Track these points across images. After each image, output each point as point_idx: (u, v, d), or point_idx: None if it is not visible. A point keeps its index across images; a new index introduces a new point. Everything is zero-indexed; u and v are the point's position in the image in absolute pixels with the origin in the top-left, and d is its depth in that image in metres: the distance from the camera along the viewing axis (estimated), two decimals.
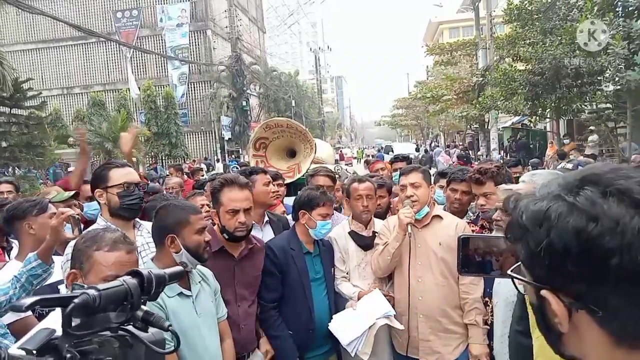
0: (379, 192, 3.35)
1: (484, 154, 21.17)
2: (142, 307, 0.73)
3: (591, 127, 14.65)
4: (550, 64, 11.37)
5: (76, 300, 0.66)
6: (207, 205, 3.74)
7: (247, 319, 2.49)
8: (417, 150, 26.12)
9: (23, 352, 0.63)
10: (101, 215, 2.34)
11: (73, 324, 0.67)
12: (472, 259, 1.35)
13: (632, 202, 0.63)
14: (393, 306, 2.77)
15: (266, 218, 3.19)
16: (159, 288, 0.77)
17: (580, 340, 0.68)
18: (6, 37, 29.46)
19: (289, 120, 4.93)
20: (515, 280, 0.79)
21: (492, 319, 2.49)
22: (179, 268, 0.87)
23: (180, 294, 2.01)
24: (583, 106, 12.84)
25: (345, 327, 2.66)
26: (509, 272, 0.82)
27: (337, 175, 4.99)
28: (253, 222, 3.04)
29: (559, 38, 11.48)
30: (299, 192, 2.99)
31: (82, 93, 32.47)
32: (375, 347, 2.77)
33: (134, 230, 2.36)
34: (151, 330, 0.73)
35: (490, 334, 2.54)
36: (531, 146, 19.01)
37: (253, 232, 2.91)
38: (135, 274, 0.75)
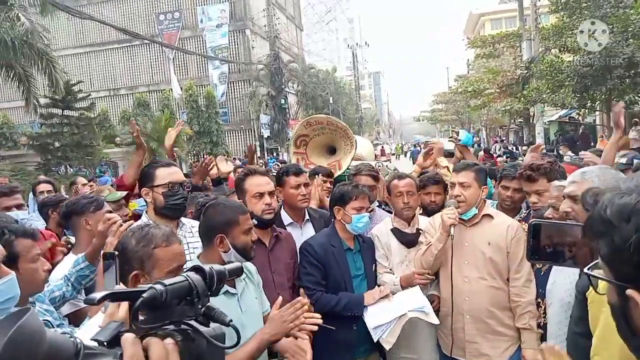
0: (435, 189, 3.30)
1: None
2: (205, 302, 0.74)
3: (635, 119, 13.89)
4: (600, 53, 10.86)
5: (144, 295, 0.68)
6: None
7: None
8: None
9: (95, 344, 0.65)
10: (146, 212, 2.40)
11: (140, 317, 0.68)
12: (543, 246, 1.29)
13: None
14: (439, 306, 2.72)
15: (307, 216, 3.19)
16: (220, 284, 0.77)
17: None
18: (58, 42, 30.88)
19: (329, 117, 4.91)
20: (593, 279, 0.75)
21: (544, 321, 2.40)
22: (237, 264, 0.87)
23: (226, 292, 2.02)
24: (637, 97, 12.20)
25: (375, 312, 2.62)
26: (585, 270, 0.77)
27: (376, 173, 4.97)
28: (292, 220, 3.07)
29: (611, 26, 10.93)
30: (333, 189, 2.98)
31: (127, 94, 33.66)
32: (418, 344, 2.73)
33: (177, 230, 2.40)
34: (212, 325, 0.74)
35: (542, 338, 2.44)
36: (577, 143, 18.17)
37: (292, 231, 2.95)
38: (198, 269, 0.76)
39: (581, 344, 1.70)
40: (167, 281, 0.70)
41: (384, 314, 2.57)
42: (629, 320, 0.67)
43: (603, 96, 12.18)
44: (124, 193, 3.16)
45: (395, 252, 2.92)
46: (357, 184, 2.93)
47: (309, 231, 3.12)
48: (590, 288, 1.68)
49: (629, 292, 0.64)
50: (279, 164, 6.32)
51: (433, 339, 2.79)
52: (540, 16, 18.68)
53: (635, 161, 3.56)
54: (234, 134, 33.16)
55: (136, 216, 3.10)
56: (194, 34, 32.85)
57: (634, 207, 0.63)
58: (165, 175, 2.39)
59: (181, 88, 28.98)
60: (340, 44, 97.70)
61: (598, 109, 14.08)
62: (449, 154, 5.02)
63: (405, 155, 32.40)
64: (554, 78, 13.12)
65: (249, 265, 2.20)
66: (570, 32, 12.76)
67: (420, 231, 2.90)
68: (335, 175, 4.61)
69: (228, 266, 0.83)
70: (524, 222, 2.80)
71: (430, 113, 54.43)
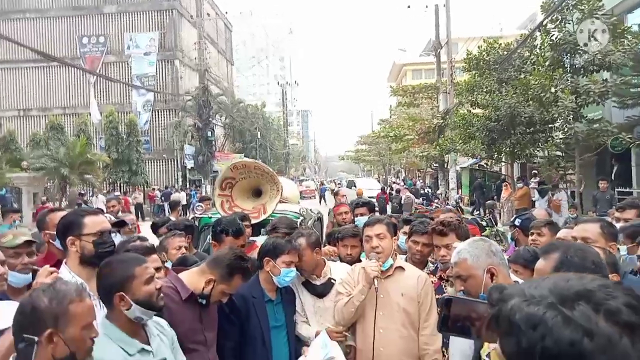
0: (352, 242, 3.34)
1: (443, 193, 21.81)
2: None
3: (534, 172, 15.40)
4: (506, 111, 12.04)
5: None
6: (185, 247, 3.68)
7: None
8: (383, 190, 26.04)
9: None
10: (66, 263, 2.29)
11: None
12: (453, 319, 1.42)
13: (621, 322, 0.70)
14: (355, 358, 2.81)
15: None
16: None
17: None
18: None
19: (257, 162, 4.98)
20: None
21: None
22: None
23: (142, 350, 1.97)
24: (535, 152, 13.56)
25: None
26: (484, 357, 0.88)
27: (302, 218, 5.06)
28: None
29: (514, 88, 12.20)
30: (265, 240, 3.02)
31: (40, 116, 31.52)
32: None
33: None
34: None
35: None
36: (484, 190, 19.69)
37: None
38: None
39: None
40: None
41: None
42: None
43: (508, 149, 13.41)
44: (23, 239, 2.61)
45: (307, 304, 2.99)
46: (290, 239, 2.93)
47: None
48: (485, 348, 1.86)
49: None
50: (201, 205, 6.16)
51: None
52: (455, 72, 20.39)
53: (517, 221, 3.98)
54: (156, 164, 31.99)
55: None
56: (119, 59, 31.83)
57: (541, 318, 0.72)
58: (95, 223, 2.33)
59: (101, 113, 27.68)
60: (270, 79, 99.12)
61: (503, 159, 15.43)
62: (365, 204, 5.28)
63: (333, 195, 32.81)
64: (466, 130, 14.27)
65: (159, 320, 2.15)
66: (480, 89, 14.04)
67: (333, 281, 3.00)
68: (260, 219, 4.64)
69: None
70: (432, 275, 3.02)
71: (354, 153, 56.41)
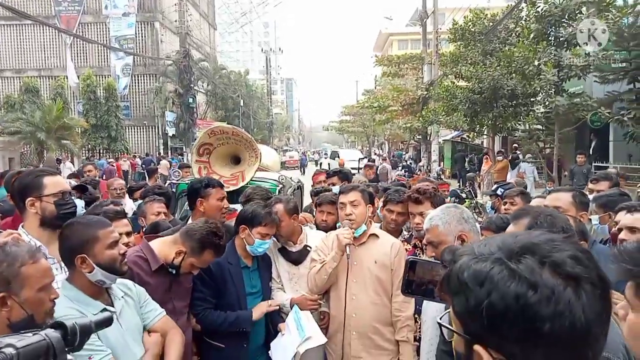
0: (329, 209, 3.37)
1: (425, 165, 21.96)
2: (67, 357, 0.73)
3: (515, 145, 15.57)
4: (489, 84, 12.01)
5: None
6: (164, 213, 3.65)
7: (185, 332, 2.46)
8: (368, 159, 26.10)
9: None
10: (23, 227, 2.22)
11: None
12: (417, 282, 1.42)
13: (565, 274, 0.70)
14: (328, 323, 2.84)
15: None
16: (84, 337, 0.76)
17: None
18: None
19: (235, 128, 4.88)
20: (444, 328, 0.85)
21: (420, 335, 2.62)
22: (106, 314, 0.87)
23: (104, 311, 1.94)
24: (517, 125, 13.65)
25: (277, 354, 2.73)
26: (437, 320, 0.88)
27: (280, 185, 5.03)
28: None
29: (498, 60, 12.15)
30: (245, 206, 2.98)
31: (14, 77, 30.39)
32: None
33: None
34: None
35: (418, 350, 2.66)
36: (467, 159, 19.95)
37: None
38: (59, 325, 0.75)
39: None
40: (21, 342, 0.68)
41: (283, 354, 2.68)
42: None
43: (490, 122, 13.45)
44: None
45: (283, 270, 3.00)
46: (270, 210, 2.87)
47: None
48: None
49: (476, 347, 0.74)
50: (179, 171, 6.07)
51: (322, 355, 2.89)
52: (440, 43, 20.21)
53: (499, 191, 4.03)
54: (136, 130, 31.39)
55: None
56: (97, 20, 30.66)
57: (488, 274, 0.72)
58: (55, 183, 2.26)
59: (78, 76, 26.82)
60: (254, 47, 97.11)
61: (485, 132, 15.52)
62: (336, 173, 5.29)
63: (316, 164, 32.86)
64: (449, 102, 14.23)
65: (124, 281, 2.13)
66: (465, 61, 13.95)
67: (308, 248, 3.00)
68: (238, 186, 4.60)
69: (95, 318, 0.82)
70: (406, 243, 3.04)
71: (338, 123, 56.11)
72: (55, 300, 1.59)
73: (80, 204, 2.41)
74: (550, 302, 0.68)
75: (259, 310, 2.72)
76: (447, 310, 0.84)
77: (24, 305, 1.48)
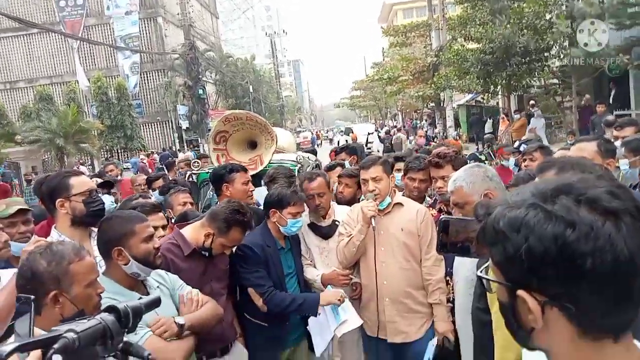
0: (349, 181, 3.40)
1: (440, 132, 21.70)
2: (120, 340, 0.77)
3: (531, 101, 15.24)
4: (500, 43, 11.74)
5: (55, 346, 0.69)
6: (190, 203, 3.72)
7: (225, 312, 2.52)
8: (378, 134, 25.86)
9: None
10: (55, 228, 2.29)
11: None
12: (451, 240, 1.44)
13: (602, 209, 0.70)
14: (360, 293, 2.89)
15: None
16: (137, 319, 0.80)
17: (549, 333, 0.75)
18: None
19: (249, 113, 4.89)
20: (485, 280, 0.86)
21: (454, 296, 2.64)
22: (155, 296, 0.91)
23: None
24: (532, 82, 13.36)
25: (316, 335, 2.82)
26: (478, 273, 0.89)
27: (299, 165, 5.05)
28: None
29: (508, 18, 11.84)
30: (269, 190, 3.02)
31: (27, 87, 30.87)
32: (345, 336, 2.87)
33: (91, 240, 2.33)
34: (131, 359, 0.78)
35: (452, 311, 2.69)
36: (486, 123, 19.61)
37: None
38: (112, 309, 0.79)
39: (483, 318, 1.91)
40: (80, 327, 0.72)
41: (321, 338, 2.77)
42: (516, 316, 0.78)
43: (504, 81, 13.19)
44: (16, 208, 2.63)
45: (313, 245, 3.05)
46: (295, 189, 2.92)
47: None
48: None
49: (520, 292, 0.75)
50: (198, 161, 6.14)
51: (357, 331, 2.94)
52: (447, 7, 19.73)
53: (522, 146, 3.97)
54: (151, 127, 31.68)
55: None
56: (100, 21, 30.75)
57: (523, 219, 0.73)
58: (82, 183, 2.34)
59: (89, 80, 27.08)
60: (258, 32, 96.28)
61: (500, 93, 15.23)
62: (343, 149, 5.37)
63: (331, 143, 32.84)
64: (460, 65, 13.98)
65: (159, 272, 2.19)
66: (473, 22, 13.63)
67: (337, 222, 3.03)
68: (257, 170, 4.64)
69: (144, 300, 0.86)
70: (431, 208, 3.04)
71: (349, 99, 55.65)
72: (101, 294, 1.66)
73: (109, 199, 2.49)
74: (589, 239, 0.68)
75: (326, 299, 2.73)
76: (487, 263, 0.85)
77: (74, 301, 1.55)
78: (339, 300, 2.71)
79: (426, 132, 24.18)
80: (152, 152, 26.65)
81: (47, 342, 0.69)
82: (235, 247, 2.81)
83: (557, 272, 0.70)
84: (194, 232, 2.54)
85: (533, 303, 0.74)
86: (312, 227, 3.06)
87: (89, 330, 0.74)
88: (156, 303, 0.90)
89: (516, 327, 0.80)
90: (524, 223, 0.72)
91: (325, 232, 3.04)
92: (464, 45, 14.76)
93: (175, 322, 1.97)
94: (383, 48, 38.74)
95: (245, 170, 3.35)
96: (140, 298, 1.99)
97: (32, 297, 1.50)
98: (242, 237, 2.59)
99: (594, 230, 0.68)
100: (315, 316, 2.77)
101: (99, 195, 2.44)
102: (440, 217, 1.36)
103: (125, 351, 0.77)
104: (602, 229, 0.68)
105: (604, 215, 0.69)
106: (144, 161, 20.51)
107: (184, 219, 3.13)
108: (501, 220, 0.75)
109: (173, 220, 3.40)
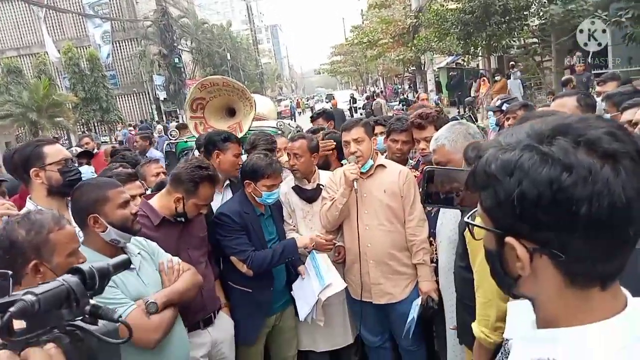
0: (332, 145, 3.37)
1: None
2: (90, 301, 0.73)
3: (511, 63, 15.24)
4: (480, 1, 11.58)
5: (12, 309, 0.65)
6: (163, 173, 3.63)
7: (205, 281, 2.50)
8: (354, 101, 25.38)
9: None
10: (31, 198, 2.21)
11: (17, 327, 0.66)
12: (436, 191, 1.42)
13: (601, 151, 0.65)
14: (344, 256, 2.89)
15: (227, 181, 3.16)
16: (104, 280, 0.76)
17: (537, 281, 0.72)
18: None
19: (225, 78, 4.74)
20: (471, 226, 0.82)
21: (437, 257, 2.65)
22: (123, 257, 0.86)
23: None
24: (512, 42, 13.28)
25: (300, 300, 2.83)
26: (465, 219, 0.85)
27: (280, 132, 4.97)
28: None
29: None
30: (245, 160, 2.95)
31: None
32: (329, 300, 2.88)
33: (68, 210, 2.26)
34: (101, 322, 0.73)
35: (435, 271, 2.71)
36: (469, 86, 19.60)
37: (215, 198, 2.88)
38: (76, 270, 0.74)
39: (465, 276, 1.93)
40: (40, 289, 0.68)
41: (305, 302, 2.78)
42: (503, 264, 0.75)
43: (484, 42, 13.09)
44: None
45: (297, 208, 3.02)
46: (271, 161, 2.80)
47: (228, 196, 3.09)
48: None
49: (508, 239, 0.71)
50: (175, 130, 6.01)
51: (341, 294, 2.95)
52: None
53: (505, 106, 3.95)
54: (127, 99, 30.93)
55: None
56: None
57: (517, 162, 0.68)
58: (56, 151, 2.25)
59: (59, 51, 26.08)
60: None
61: (480, 53, 15.14)
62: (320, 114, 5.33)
63: (312, 111, 32.62)
64: (440, 26, 13.80)
65: (139, 239, 2.15)
66: None
67: (321, 186, 3.00)
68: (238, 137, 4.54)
69: (112, 261, 0.81)
70: (414, 170, 3.02)
71: (329, 65, 54.88)
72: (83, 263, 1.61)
73: (89, 169, 2.40)
74: (587, 183, 0.64)
75: (302, 242, 2.73)
76: (474, 210, 0.80)
77: (55, 271, 1.50)
78: (313, 246, 2.74)
79: (406, 97, 24.15)
80: (135, 126, 26.11)
81: (3, 306, 0.65)
82: (214, 216, 2.77)
83: (549, 219, 0.66)
84: (162, 201, 2.47)
85: (522, 250, 0.70)
86: (297, 190, 3.02)
87: (50, 292, 0.69)
88: (125, 264, 0.85)
89: (502, 274, 0.76)
90: (517, 166, 0.67)
91: (310, 196, 3.00)
92: (443, 5, 14.53)
93: (149, 303, 1.92)
94: (362, 10, 38.02)
95: (239, 142, 3.24)
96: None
97: (10, 272, 1.46)
98: (213, 191, 2.53)
99: (592, 174, 0.64)
100: (297, 258, 2.76)
101: (75, 164, 2.35)
102: (425, 168, 1.33)
103: (94, 314, 0.73)
104: (600, 172, 0.64)
105: (602, 159, 0.65)
106: (132, 132, 20.34)
107: (160, 189, 3.05)
108: (493, 163, 0.70)
109: (149, 192, 3.31)
